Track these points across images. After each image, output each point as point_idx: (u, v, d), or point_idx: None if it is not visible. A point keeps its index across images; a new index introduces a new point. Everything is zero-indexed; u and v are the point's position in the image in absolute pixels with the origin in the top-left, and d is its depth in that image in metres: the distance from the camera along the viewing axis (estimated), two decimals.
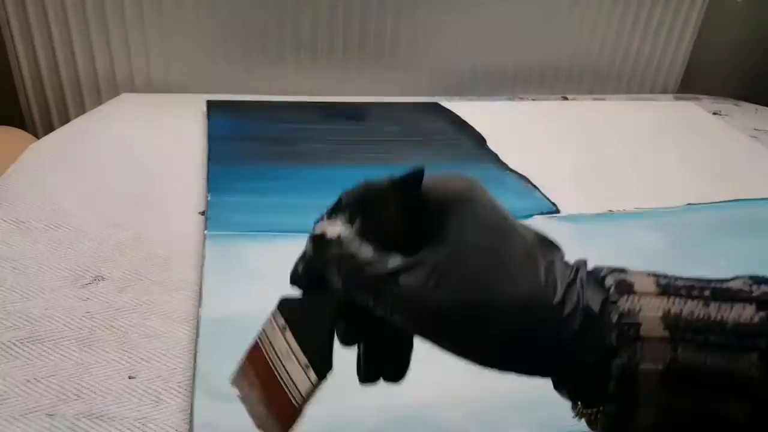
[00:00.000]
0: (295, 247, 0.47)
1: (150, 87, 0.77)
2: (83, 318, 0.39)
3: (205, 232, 0.46)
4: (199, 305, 0.39)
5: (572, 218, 0.52)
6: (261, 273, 0.42)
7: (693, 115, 0.80)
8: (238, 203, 0.50)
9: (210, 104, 0.68)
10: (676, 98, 0.92)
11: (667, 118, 0.77)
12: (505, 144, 0.64)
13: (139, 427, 0.33)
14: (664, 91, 0.97)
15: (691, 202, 0.57)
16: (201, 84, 0.78)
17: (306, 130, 0.63)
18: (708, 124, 0.77)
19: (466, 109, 0.73)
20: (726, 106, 0.89)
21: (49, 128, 0.76)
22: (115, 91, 0.76)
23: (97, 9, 0.71)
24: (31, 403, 0.33)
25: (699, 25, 0.93)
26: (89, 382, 0.35)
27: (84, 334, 0.38)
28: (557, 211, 0.53)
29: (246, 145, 0.59)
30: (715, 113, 0.84)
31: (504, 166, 0.60)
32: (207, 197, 0.50)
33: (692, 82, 0.98)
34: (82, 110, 0.76)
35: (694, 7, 0.91)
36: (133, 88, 0.76)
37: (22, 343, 0.37)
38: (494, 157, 0.62)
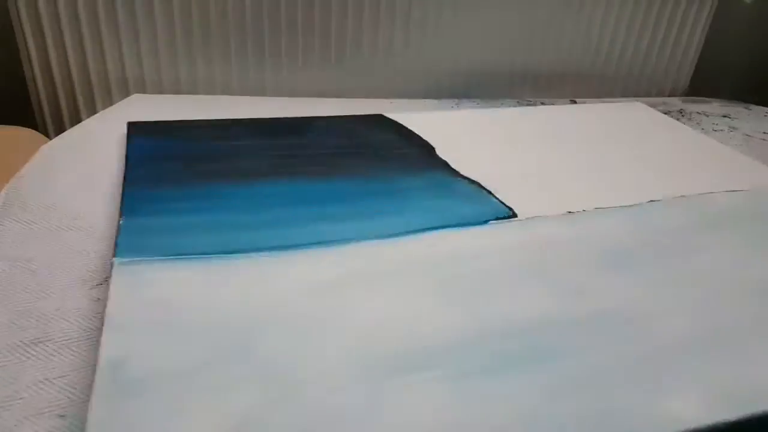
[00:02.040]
0: (225, 270, 0.41)
1: (161, 88, 0.77)
2: (95, 319, 0.40)
3: (113, 260, 0.41)
4: (99, 344, 0.35)
5: (530, 222, 0.51)
6: (176, 303, 0.38)
7: (642, 115, 0.78)
8: (158, 225, 0.45)
9: (131, 125, 0.62)
10: (683, 101, 0.91)
11: (616, 120, 0.75)
12: (455, 152, 0.62)
13: None
14: (672, 94, 0.97)
15: (653, 198, 0.56)
16: (212, 85, 0.79)
17: (241, 147, 0.59)
18: (661, 123, 0.75)
19: (413, 119, 0.70)
20: (736, 109, 0.89)
21: (61, 128, 0.77)
22: (126, 92, 0.76)
23: (108, 11, 0.72)
24: (42, 403, 0.34)
25: (708, 27, 0.92)
26: None
27: (95, 335, 0.39)
28: (514, 215, 0.52)
29: (169, 164, 0.54)
30: (724, 116, 0.84)
31: (454, 173, 0.58)
32: (118, 222, 0.46)
33: (702, 85, 0.98)
34: (93, 111, 0.76)
35: (704, 9, 0.90)
36: (143, 90, 0.77)
37: (33, 343, 0.38)
38: (444, 165, 0.59)
